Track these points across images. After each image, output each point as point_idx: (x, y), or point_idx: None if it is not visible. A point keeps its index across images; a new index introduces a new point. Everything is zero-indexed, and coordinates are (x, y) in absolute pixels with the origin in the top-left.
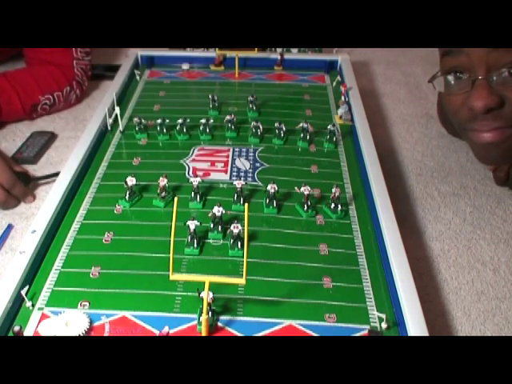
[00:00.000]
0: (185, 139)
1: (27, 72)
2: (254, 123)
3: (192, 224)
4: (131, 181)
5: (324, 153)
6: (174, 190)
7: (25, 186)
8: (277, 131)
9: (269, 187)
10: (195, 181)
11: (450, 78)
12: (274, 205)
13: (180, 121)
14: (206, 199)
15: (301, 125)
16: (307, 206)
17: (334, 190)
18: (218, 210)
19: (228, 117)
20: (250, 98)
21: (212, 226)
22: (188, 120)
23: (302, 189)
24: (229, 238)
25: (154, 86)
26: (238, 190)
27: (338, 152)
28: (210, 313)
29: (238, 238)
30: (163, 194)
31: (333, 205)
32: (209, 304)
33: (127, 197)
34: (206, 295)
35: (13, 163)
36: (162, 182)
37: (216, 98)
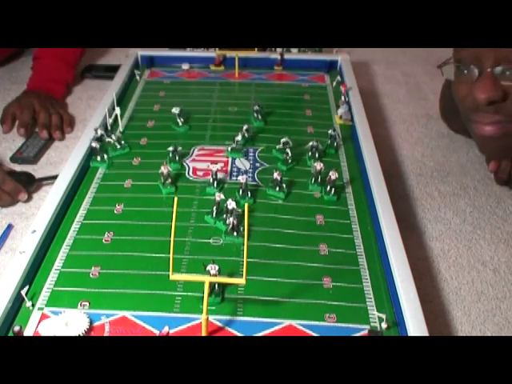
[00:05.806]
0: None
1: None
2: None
3: (218, 197)
4: (166, 168)
5: (324, 153)
6: (175, 179)
7: (16, 183)
8: (284, 155)
9: (275, 175)
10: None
11: (461, 66)
12: (283, 189)
13: (171, 148)
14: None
15: (310, 144)
16: (315, 180)
17: (330, 174)
18: (230, 203)
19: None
20: (256, 108)
21: (214, 213)
22: (180, 148)
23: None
24: (225, 215)
25: (153, 86)
26: (243, 184)
27: (338, 152)
28: (216, 287)
29: (234, 217)
30: (169, 180)
31: (328, 187)
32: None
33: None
34: (206, 295)
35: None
36: (165, 169)
37: None
